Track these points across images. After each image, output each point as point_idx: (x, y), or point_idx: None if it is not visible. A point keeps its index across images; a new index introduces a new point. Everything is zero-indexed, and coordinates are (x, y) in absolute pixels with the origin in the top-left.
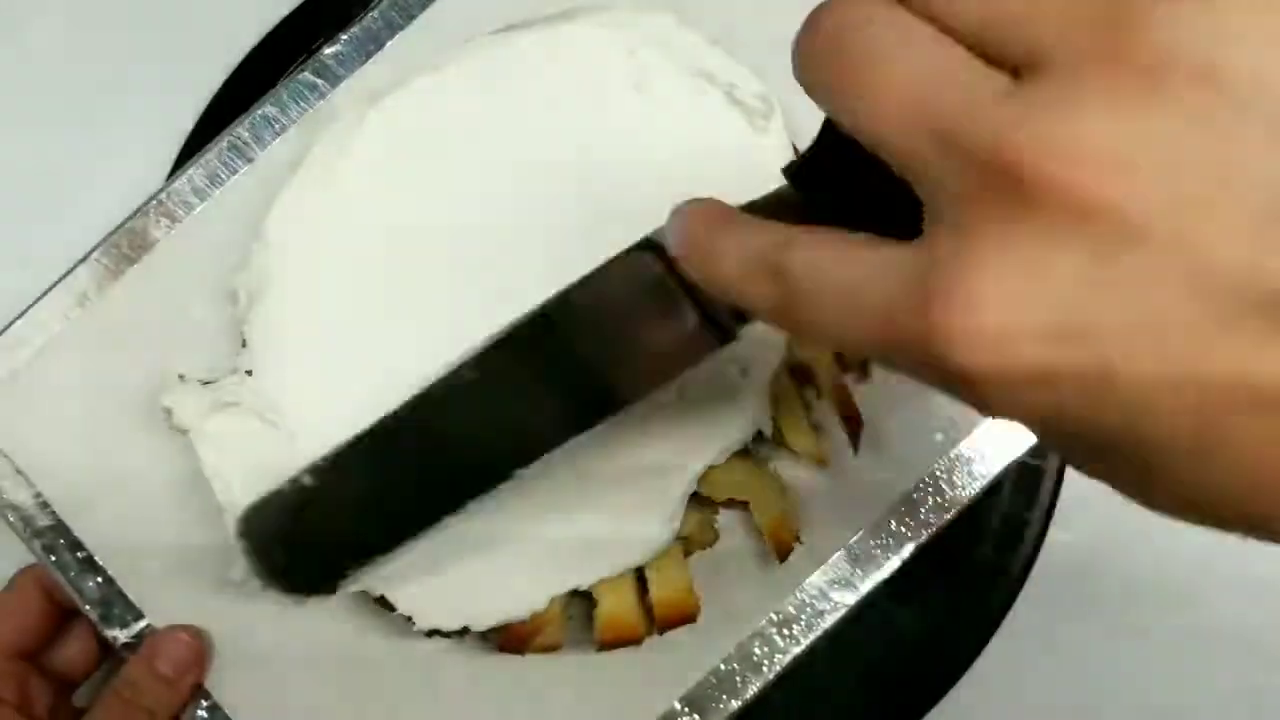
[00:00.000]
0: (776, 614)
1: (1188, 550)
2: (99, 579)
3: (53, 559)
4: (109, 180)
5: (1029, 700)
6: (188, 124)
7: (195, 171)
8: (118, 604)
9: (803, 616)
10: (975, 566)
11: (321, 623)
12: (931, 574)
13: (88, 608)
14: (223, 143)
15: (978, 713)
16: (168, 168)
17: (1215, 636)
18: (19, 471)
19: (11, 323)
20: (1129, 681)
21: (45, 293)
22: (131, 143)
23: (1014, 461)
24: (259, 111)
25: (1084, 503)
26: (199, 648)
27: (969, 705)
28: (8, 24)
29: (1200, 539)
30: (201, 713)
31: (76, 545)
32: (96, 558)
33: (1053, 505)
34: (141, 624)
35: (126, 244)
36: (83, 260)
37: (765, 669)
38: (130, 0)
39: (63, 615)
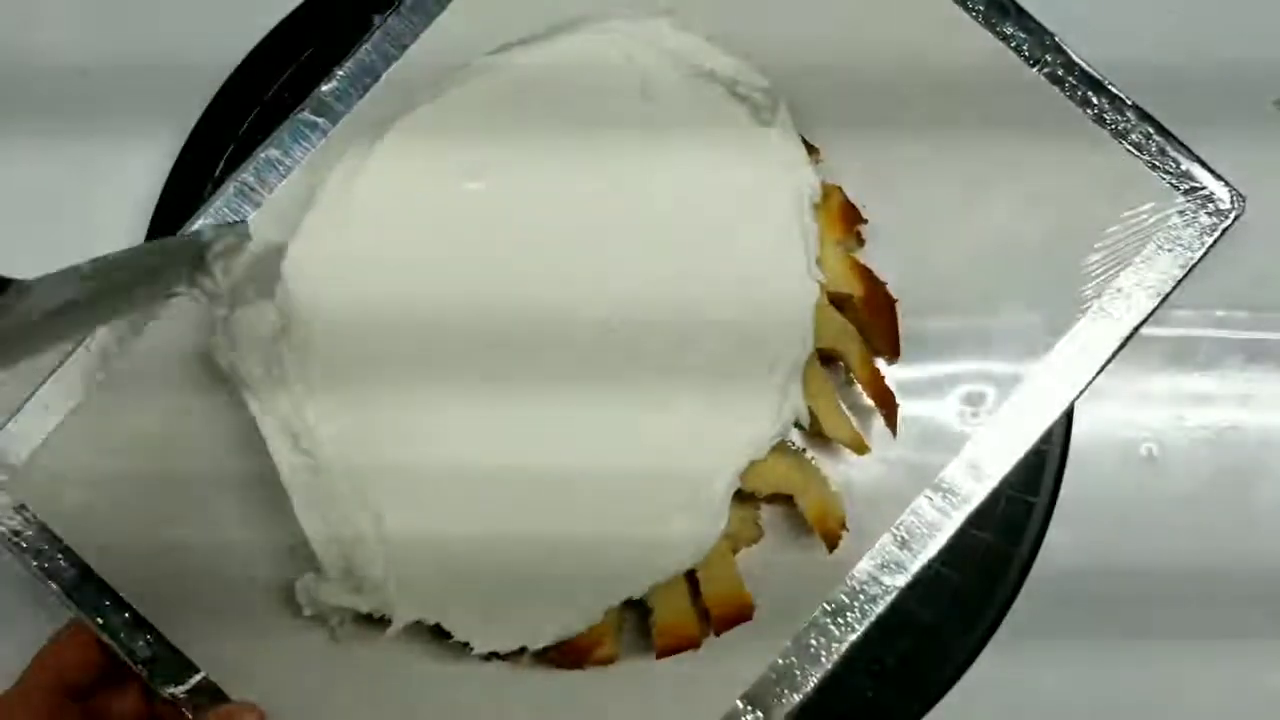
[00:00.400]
0: (829, 604)
1: (1187, 549)
2: (148, 637)
3: (99, 622)
4: (103, 198)
5: (1029, 700)
6: (178, 143)
7: (204, 221)
8: (169, 661)
9: (855, 603)
10: (975, 566)
11: (376, 654)
12: (932, 574)
13: (139, 667)
14: (229, 189)
15: (978, 713)
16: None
17: (1215, 635)
18: (56, 539)
19: (39, 386)
20: (1128, 681)
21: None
22: (124, 159)
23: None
24: (262, 155)
25: (1084, 503)
26: None
27: (969, 705)
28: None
29: (1200, 538)
30: None
31: (122, 605)
32: (142, 613)
33: (1052, 505)
34: (197, 677)
35: (143, 297)
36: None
37: (824, 659)
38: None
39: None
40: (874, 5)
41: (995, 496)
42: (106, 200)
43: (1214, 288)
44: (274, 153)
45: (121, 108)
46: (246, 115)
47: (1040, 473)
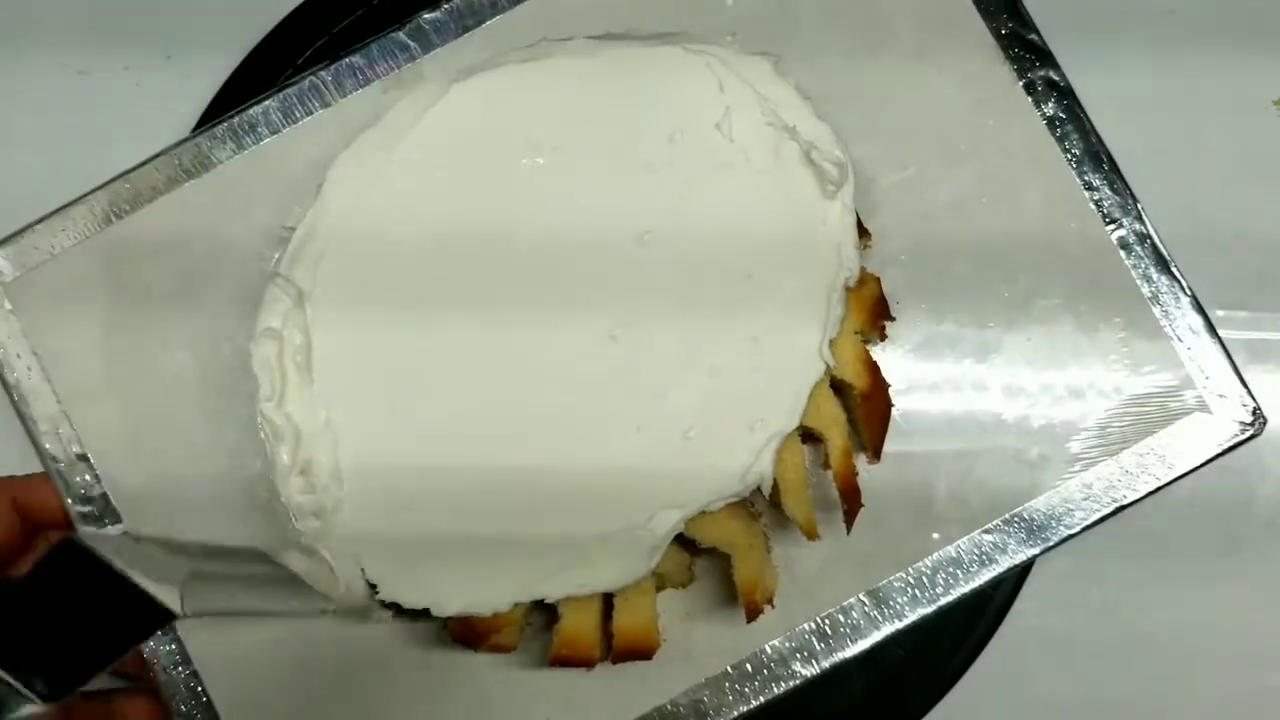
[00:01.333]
0: (733, 669)
1: (1186, 548)
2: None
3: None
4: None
5: (1029, 700)
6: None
7: (272, 103)
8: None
9: (758, 677)
10: None
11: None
12: None
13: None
14: (305, 81)
15: (978, 713)
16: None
17: (1215, 635)
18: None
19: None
20: (1128, 681)
21: (95, 190)
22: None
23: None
24: (345, 60)
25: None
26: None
27: (969, 705)
28: None
29: (1199, 538)
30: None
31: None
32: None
33: None
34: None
35: (188, 159)
36: (140, 165)
37: (710, 718)
38: None
39: (32, 529)
40: (968, 127)
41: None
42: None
43: (1214, 288)
44: (358, 60)
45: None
46: (306, 49)
47: None
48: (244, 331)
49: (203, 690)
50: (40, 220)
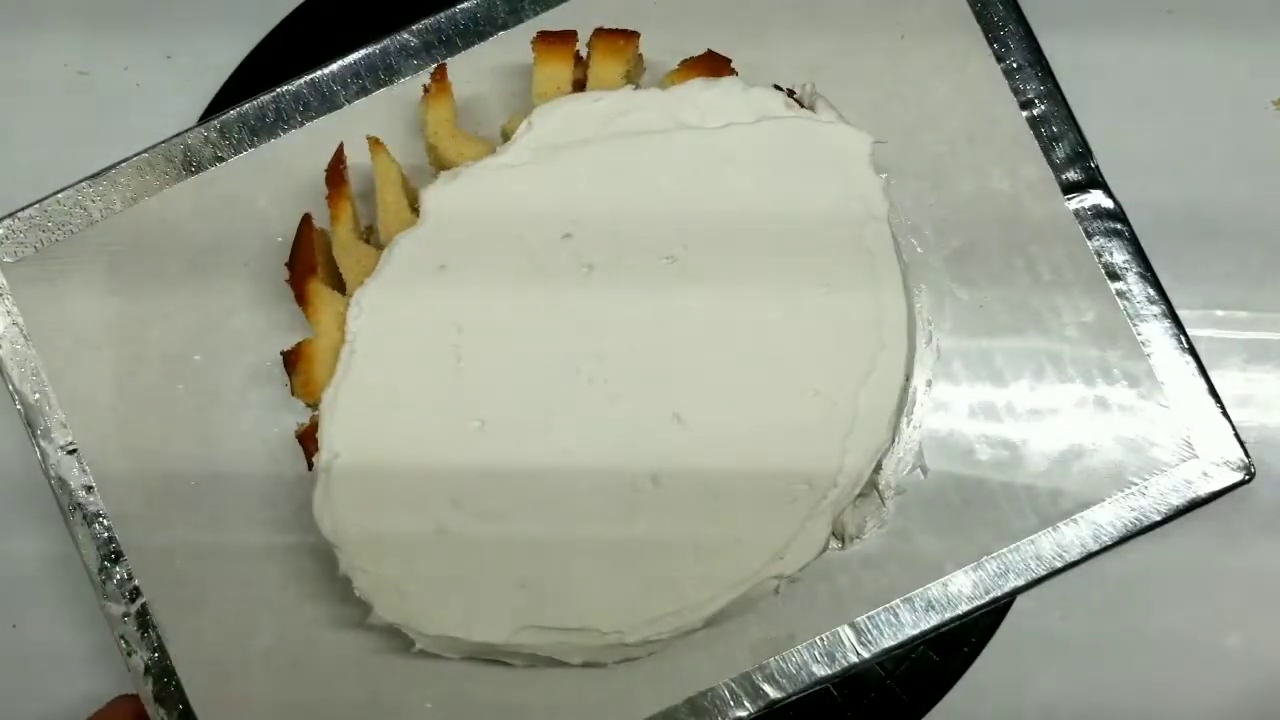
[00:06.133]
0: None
1: (1186, 548)
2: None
3: None
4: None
5: (1029, 701)
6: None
7: (271, 103)
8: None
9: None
10: None
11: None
12: None
13: None
14: (304, 82)
15: (978, 713)
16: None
17: (1215, 635)
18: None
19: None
20: (1128, 681)
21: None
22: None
23: None
24: (348, 59)
25: None
26: None
27: (969, 706)
28: None
29: (1199, 538)
30: None
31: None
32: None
33: None
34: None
35: (186, 153)
36: (138, 154)
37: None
38: None
39: None
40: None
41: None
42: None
43: (1214, 288)
44: (361, 60)
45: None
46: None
47: None
48: (241, 322)
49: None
50: (38, 201)
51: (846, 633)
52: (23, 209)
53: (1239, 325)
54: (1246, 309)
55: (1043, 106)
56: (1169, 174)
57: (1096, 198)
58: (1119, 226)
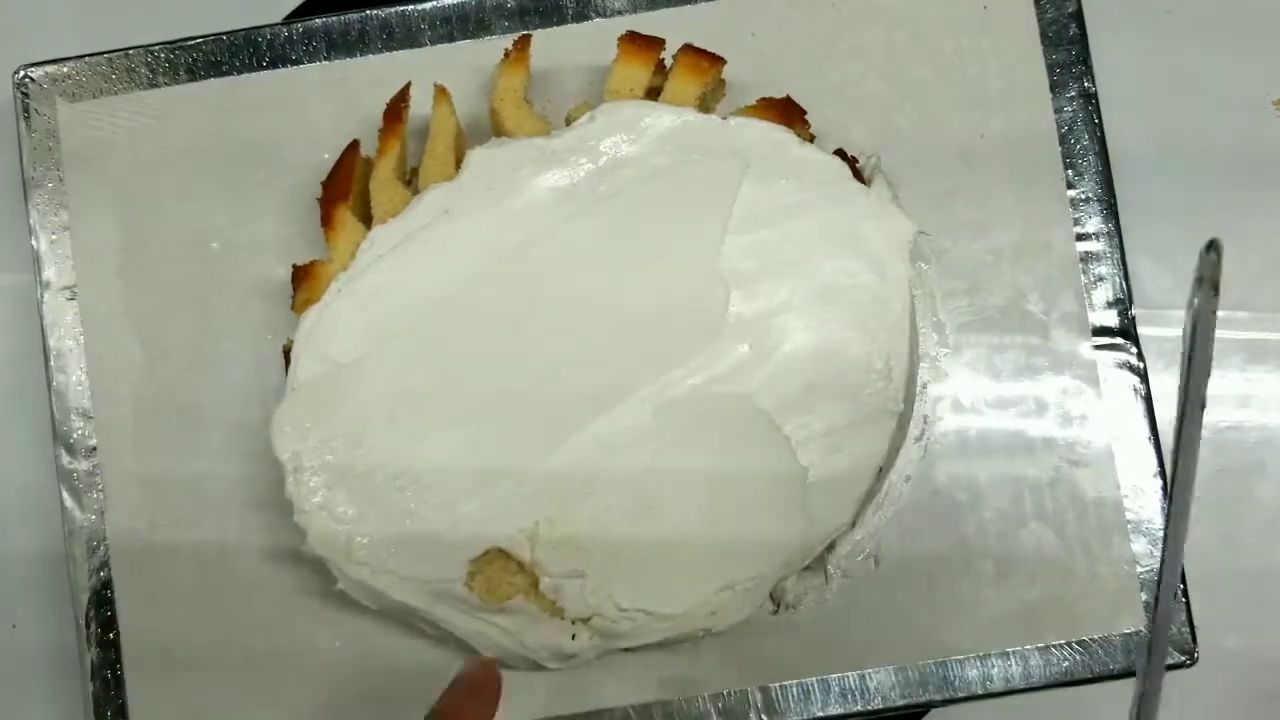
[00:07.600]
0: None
1: (1185, 548)
2: None
3: None
4: None
5: (1029, 701)
6: None
7: (357, 23)
8: None
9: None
10: None
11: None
12: None
13: None
14: (393, 11)
15: (978, 712)
16: None
17: (1215, 634)
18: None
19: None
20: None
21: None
22: None
23: None
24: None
25: None
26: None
27: (969, 705)
28: None
29: (1199, 538)
30: None
31: None
32: None
33: None
34: None
35: (254, 47)
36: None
37: None
38: None
39: None
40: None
41: None
42: None
43: None
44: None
45: None
46: None
47: None
48: (266, 227)
49: None
50: (107, 52)
51: (754, 695)
52: (92, 54)
53: (1239, 325)
54: (1246, 309)
55: (1098, 244)
56: (1169, 174)
57: (1124, 353)
58: (1139, 386)
